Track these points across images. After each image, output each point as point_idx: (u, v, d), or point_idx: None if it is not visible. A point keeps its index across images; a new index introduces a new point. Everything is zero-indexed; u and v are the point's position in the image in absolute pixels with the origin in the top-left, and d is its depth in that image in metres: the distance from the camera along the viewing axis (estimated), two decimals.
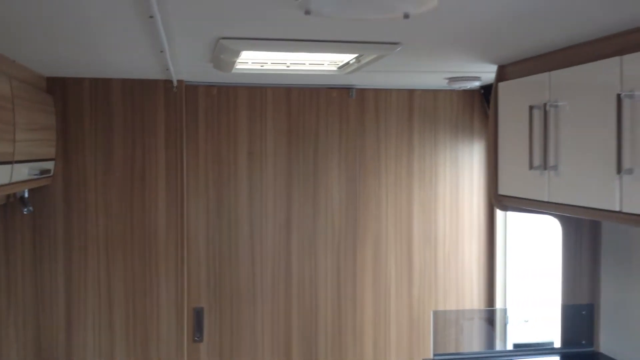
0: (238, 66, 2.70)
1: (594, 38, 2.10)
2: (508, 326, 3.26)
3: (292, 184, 3.59)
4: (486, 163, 3.67)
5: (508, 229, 3.77)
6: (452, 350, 3.02)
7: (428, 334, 3.67)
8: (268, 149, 3.55)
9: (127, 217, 3.33)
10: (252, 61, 2.75)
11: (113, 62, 2.76)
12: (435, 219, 3.75)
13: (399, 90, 3.67)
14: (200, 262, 3.50)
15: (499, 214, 3.76)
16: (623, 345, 2.71)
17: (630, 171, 1.86)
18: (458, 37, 2.14)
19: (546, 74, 2.31)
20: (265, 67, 2.84)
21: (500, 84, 2.68)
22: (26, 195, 3.08)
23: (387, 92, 3.66)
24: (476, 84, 3.22)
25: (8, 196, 3.01)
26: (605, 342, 2.82)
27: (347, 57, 2.65)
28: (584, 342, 2.87)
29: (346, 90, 3.61)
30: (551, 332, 3.03)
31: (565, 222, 2.86)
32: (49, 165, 3.10)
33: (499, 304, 3.78)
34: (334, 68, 2.90)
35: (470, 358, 2.92)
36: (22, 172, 2.61)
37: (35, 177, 2.80)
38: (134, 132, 3.33)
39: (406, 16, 1.53)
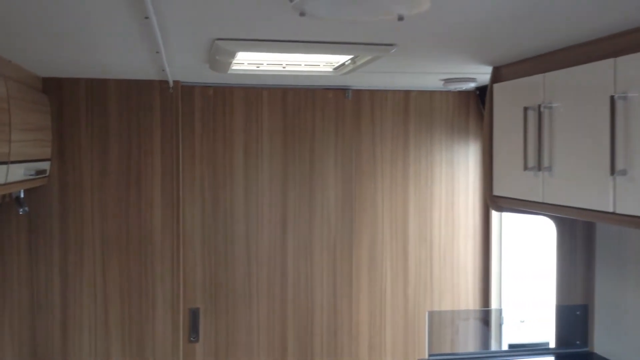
0: (234, 67, 2.70)
1: (587, 40, 2.11)
2: (503, 326, 3.27)
3: (288, 184, 3.59)
4: (481, 164, 3.68)
5: (503, 230, 3.78)
6: (448, 351, 3.03)
7: (423, 334, 3.68)
8: (264, 150, 3.56)
9: (123, 217, 3.34)
10: (248, 62, 2.75)
11: (109, 62, 2.77)
12: (431, 219, 3.76)
13: (394, 91, 3.68)
14: (196, 263, 3.50)
15: (494, 214, 3.77)
16: (617, 345, 2.72)
17: (623, 172, 1.88)
18: (453, 38, 2.15)
19: (541, 75, 2.32)
20: (261, 68, 2.85)
21: (495, 85, 2.69)
22: (22, 195, 3.07)
23: (383, 93, 3.67)
24: (471, 85, 3.23)
25: (3, 196, 3.01)
26: (599, 342, 2.83)
27: (343, 58, 2.66)
28: (578, 342, 2.88)
29: (342, 91, 3.62)
30: (546, 332, 3.04)
31: (560, 223, 2.87)
32: (45, 165, 3.10)
33: (494, 305, 3.79)
34: (330, 69, 2.91)
35: (466, 358, 2.93)
36: (18, 172, 2.61)
37: (31, 177, 2.80)
38: (129, 133, 3.33)
39: (400, 18, 1.53)
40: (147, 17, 1.70)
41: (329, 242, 3.65)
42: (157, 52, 2.31)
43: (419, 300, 3.76)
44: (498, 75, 2.71)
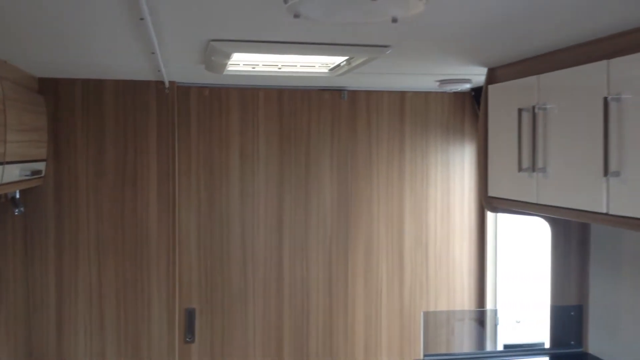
0: (229, 68, 2.71)
1: (581, 42, 2.13)
2: (498, 327, 3.28)
3: (284, 184, 3.60)
4: (476, 165, 3.69)
5: (498, 231, 3.79)
6: (443, 351, 3.04)
7: (419, 334, 3.69)
8: (260, 151, 3.56)
9: (119, 218, 3.34)
10: (244, 63, 2.76)
11: (105, 63, 2.77)
12: (427, 220, 3.77)
13: (390, 92, 3.69)
14: (192, 264, 3.50)
15: (490, 215, 3.78)
16: (611, 345, 2.73)
17: (617, 174, 1.88)
18: (447, 40, 2.16)
19: (535, 77, 2.33)
20: (257, 69, 2.85)
21: (490, 87, 2.70)
22: (17, 196, 3.07)
23: (379, 94, 3.68)
24: (467, 86, 3.24)
25: None
26: (593, 343, 2.84)
27: (338, 60, 2.67)
28: (572, 342, 2.89)
29: (338, 92, 3.62)
30: (542, 332, 3.05)
31: (554, 223, 2.88)
32: (40, 166, 3.10)
33: (489, 305, 3.79)
34: (325, 70, 2.91)
35: (461, 358, 2.94)
36: (13, 172, 2.61)
37: (27, 178, 2.80)
38: (125, 133, 3.33)
39: (394, 20, 1.54)
40: (142, 19, 1.70)
41: (324, 242, 3.65)
42: (153, 53, 2.31)
43: (414, 301, 3.77)
44: (493, 76, 2.72)
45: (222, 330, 3.55)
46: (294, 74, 2.98)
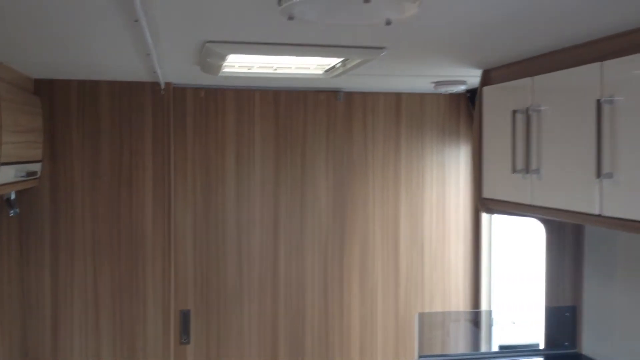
0: (225, 69, 2.72)
1: (575, 44, 2.13)
2: (493, 328, 3.28)
3: (280, 186, 3.60)
4: (471, 166, 3.69)
5: (493, 232, 3.80)
6: (438, 352, 3.05)
7: (414, 335, 3.70)
8: (256, 152, 3.56)
9: (114, 219, 3.33)
10: (239, 64, 2.76)
11: (100, 64, 2.77)
12: (422, 221, 3.78)
13: (386, 94, 3.70)
14: (187, 265, 3.50)
15: (485, 216, 3.79)
16: (605, 346, 2.74)
17: (609, 175, 1.89)
18: (442, 42, 2.17)
19: (529, 78, 2.34)
20: (252, 70, 2.86)
21: (485, 88, 2.71)
22: (13, 197, 3.07)
23: (375, 95, 3.68)
24: (462, 87, 3.24)
25: None
26: (587, 344, 2.85)
27: (333, 61, 2.67)
28: (566, 343, 2.90)
29: (334, 93, 3.63)
30: (537, 333, 3.06)
31: (549, 225, 2.89)
32: (36, 167, 3.10)
33: (484, 306, 3.81)
34: (321, 72, 2.92)
35: (456, 359, 2.95)
36: (9, 174, 2.61)
37: (22, 179, 2.80)
38: (121, 134, 3.33)
39: (388, 22, 1.55)
40: (136, 20, 1.71)
41: (320, 243, 3.66)
42: (148, 55, 2.31)
43: (410, 302, 3.78)
44: (488, 78, 2.73)
45: (217, 332, 3.55)
46: (289, 76, 2.98)
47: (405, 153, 3.74)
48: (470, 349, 3.25)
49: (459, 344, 3.23)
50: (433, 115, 3.76)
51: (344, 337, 3.70)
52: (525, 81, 2.36)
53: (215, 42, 2.13)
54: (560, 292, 2.90)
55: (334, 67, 2.75)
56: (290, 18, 1.56)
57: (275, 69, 2.85)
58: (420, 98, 3.73)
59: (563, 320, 2.90)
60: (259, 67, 2.83)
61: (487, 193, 2.71)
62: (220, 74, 2.79)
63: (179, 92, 3.44)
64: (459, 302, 3.83)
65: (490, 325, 3.32)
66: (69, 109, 3.28)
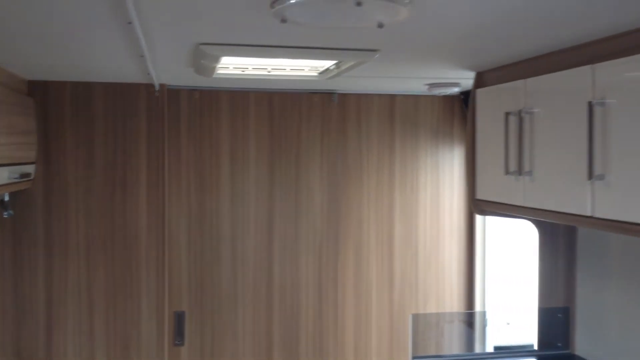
0: (219, 71, 2.72)
1: (567, 46, 2.14)
2: (487, 328, 3.29)
3: (274, 187, 3.60)
4: (465, 168, 3.71)
5: (487, 233, 3.81)
6: (433, 353, 3.05)
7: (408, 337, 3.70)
8: (250, 153, 3.56)
9: (108, 220, 3.33)
10: (233, 66, 2.77)
11: (94, 66, 2.77)
12: (416, 223, 3.78)
13: (380, 95, 3.70)
14: (182, 266, 3.50)
15: (479, 218, 3.80)
16: (598, 347, 2.75)
17: (601, 177, 1.90)
18: (435, 45, 2.17)
19: (522, 81, 2.35)
20: (246, 72, 2.86)
21: (478, 91, 2.72)
22: (6, 198, 3.07)
23: (369, 97, 3.69)
24: (455, 90, 3.26)
25: None
26: (580, 345, 2.86)
27: (327, 64, 2.68)
28: (559, 344, 2.91)
29: (328, 95, 3.64)
30: (531, 334, 3.07)
31: (542, 226, 2.90)
32: (30, 169, 3.09)
33: (478, 307, 3.81)
34: (315, 74, 2.92)
35: None
36: (2, 175, 2.61)
37: (16, 180, 2.80)
38: (115, 136, 3.32)
39: (380, 25, 1.55)
40: (130, 22, 1.71)
41: (314, 244, 3.66)
42: (142, 56, 2.31)
43: (404, 303, 3.79)
44: (481, 80, 2.74)
45: (211, 333, 3.55)
46: (283, 78, 2.99)
47: (399, 154, 3.75)
48: (464, 349, 3.26)
49: (453, 344, 3.24)
50: (427, 116, 3.77)
51: (338, 338, 3.71)
52: (518, 83, 2.37)
53: (209, 44, 2.13)
54: (553, 292, 2.91)
55: (328, 69, 2.76)
56: (283, 21, 1.56)
57: (270, 71, 2.85)
58: (414, 100, 3.74)
59: (556, 321, 2.91)
60: (254, 68, 2.83)
61: (480, 194, 2.72)
62: (214, 76, 2.80)
63: (173, 94, 3.44)
64: (453, 303, 3.84)
65: (484, 326, 3.32)
66: (62, 111, 3.27)
